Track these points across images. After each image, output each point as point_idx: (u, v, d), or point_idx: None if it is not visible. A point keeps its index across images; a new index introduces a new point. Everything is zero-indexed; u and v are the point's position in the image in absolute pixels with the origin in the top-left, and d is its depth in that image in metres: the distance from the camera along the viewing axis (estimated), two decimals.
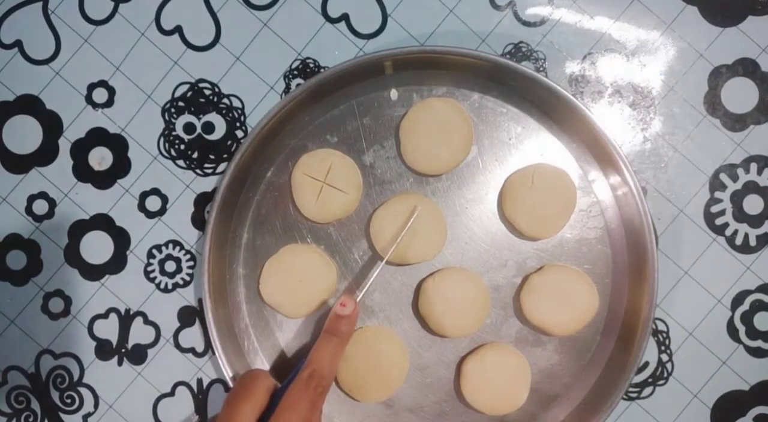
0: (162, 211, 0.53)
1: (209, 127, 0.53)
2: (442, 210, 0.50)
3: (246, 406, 0.43)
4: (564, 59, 0.51)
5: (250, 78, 0.52)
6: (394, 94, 0.51)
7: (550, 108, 0.50)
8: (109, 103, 0.53)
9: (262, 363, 0.52)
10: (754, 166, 0.51)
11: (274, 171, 0.52)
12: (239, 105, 0.52)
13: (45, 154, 0.53)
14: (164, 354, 0.53)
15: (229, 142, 0.53)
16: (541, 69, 0.51)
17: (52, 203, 0.53)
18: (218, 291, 0.50)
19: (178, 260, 0.53)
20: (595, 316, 0.49)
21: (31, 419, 0.54)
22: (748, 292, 0.51)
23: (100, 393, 0.53)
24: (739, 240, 0.51)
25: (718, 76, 0.51)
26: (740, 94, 0.51)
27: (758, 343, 0.51)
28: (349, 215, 0.51)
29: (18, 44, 0.53)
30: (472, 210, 0.51)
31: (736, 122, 0.51)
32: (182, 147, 0.53)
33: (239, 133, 0.53)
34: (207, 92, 0.52)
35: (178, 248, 0.53)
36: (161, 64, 0.52)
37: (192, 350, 0.53)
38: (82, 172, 0.53)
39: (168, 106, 0.53)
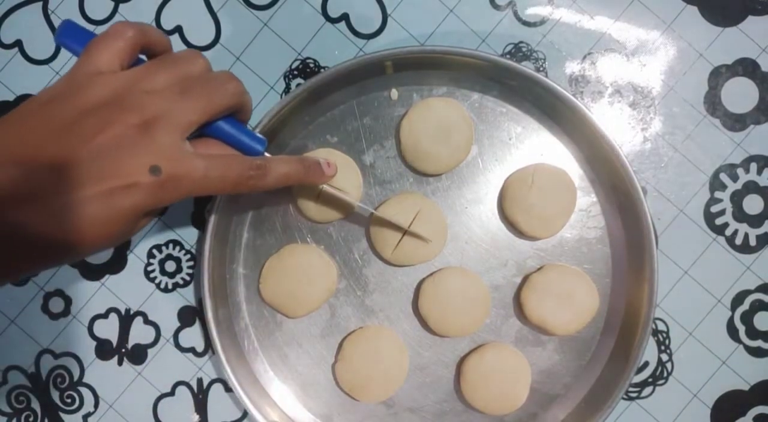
0: (162, 211, 0.53)
1: None
2: (442, 210, 0.50)
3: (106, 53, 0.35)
4: (564, 59, 0.51)
5: (250, 78, 0.52)
6: (394, 94, 0.51)
7: (550, 108, 0.50)
8: None
9: (262, 362, 0.52)
10: (754, 166, 0.51)
11: None
12: None
13: None
14: (164, 354, 0.53)
15: None
16: (541, 69, 0.51)
17: None
18: (218, 291, 0.50)
19: (178, 260, 0.53)
20: (595, 316, 0.49)
21: (31, 419, 0.54)
22: (748, 292, 0.51)
23: (101, 393, 0.53)
24: (739, 240, 0.51)
25: (718, 76, 0.51)
26: (740, 94, 0.51)
27: (758, 343, 0.51)
28: (349, 215, 0.51)
29: (18, 44, 0.53)
30: (472, 210, 0.51)
31: (736, 122, 0.51)
32: None
33: None
34: None
35: (178, 248, 0.53)
36: None
37: (192, 350, 0.53)
38: None
39: None
